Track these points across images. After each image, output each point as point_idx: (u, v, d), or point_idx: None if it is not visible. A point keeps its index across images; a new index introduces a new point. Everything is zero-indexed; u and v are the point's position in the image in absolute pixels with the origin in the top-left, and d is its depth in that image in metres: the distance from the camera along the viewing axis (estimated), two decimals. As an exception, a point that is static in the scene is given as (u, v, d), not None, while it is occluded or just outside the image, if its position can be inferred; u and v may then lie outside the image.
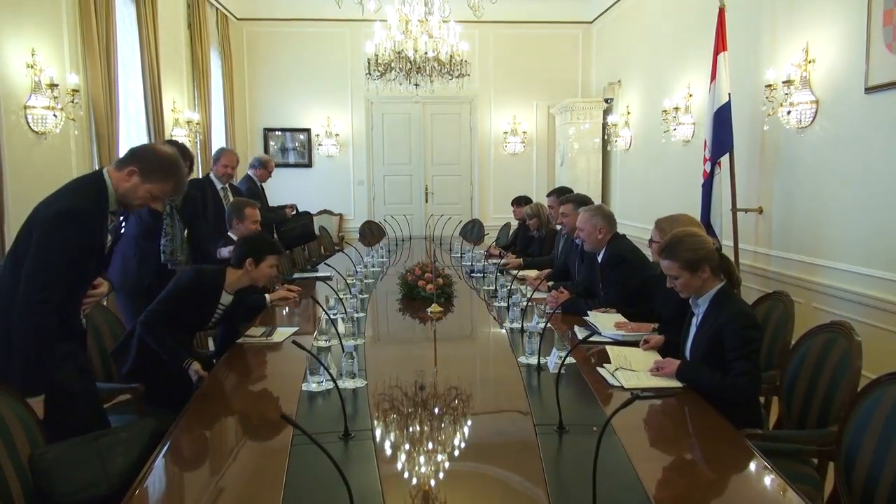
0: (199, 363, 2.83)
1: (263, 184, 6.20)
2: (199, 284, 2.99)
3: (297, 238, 6.14)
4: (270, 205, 6.28)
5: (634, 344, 2.90)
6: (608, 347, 2.81)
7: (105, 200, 2.31)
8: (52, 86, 4.37)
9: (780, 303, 3.11)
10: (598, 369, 2.62)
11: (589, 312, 3.38)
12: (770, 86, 4.62)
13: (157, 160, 2.39)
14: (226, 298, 3.12)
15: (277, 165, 6.62)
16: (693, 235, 2.61)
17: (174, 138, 6.35)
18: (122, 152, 5.27)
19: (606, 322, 3.19)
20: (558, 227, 5.25)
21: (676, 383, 2.43)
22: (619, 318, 3.25)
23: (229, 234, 4.15)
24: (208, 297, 3.05)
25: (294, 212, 6.31)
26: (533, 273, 4.84)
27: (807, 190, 4.50)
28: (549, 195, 5.65)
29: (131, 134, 5.84)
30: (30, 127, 4.34)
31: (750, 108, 5.04)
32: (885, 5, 3.68)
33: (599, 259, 3.76)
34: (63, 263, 2.18)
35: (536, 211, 5.88)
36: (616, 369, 2.55)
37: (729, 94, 4.74)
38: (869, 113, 3.89)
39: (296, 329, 3.36)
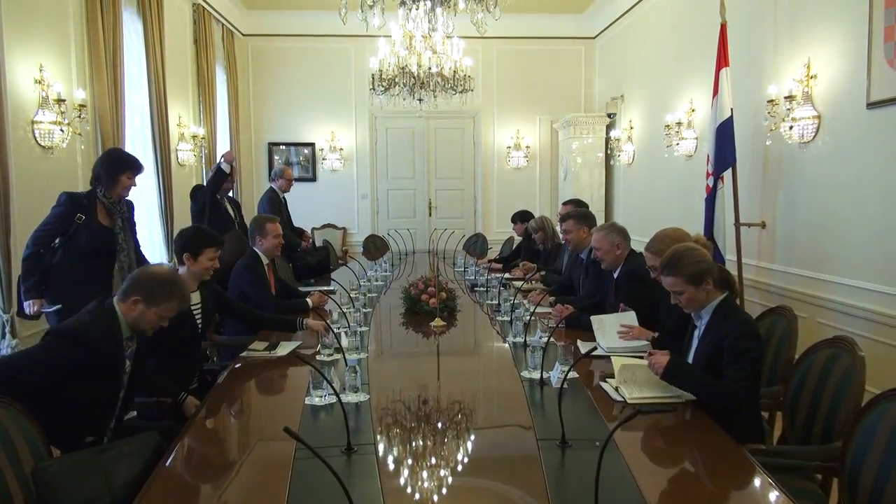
0: (192, 397, 2.84)
1: (286, 194, 6.29)
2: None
3: (313, 269, 6.17)
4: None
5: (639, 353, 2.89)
6: (613, 358, 2.74)
7: (118, 330, 2.47)
8: (60, 101, 4.41)
9: (784, 317, 3.11)
10: (601, 384, 2.62)
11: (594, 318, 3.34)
12: (772, 101, 4.64)
13: (157, 284, 2.51)
14: (193, 298, 3.22)
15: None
16: (692, 249, 2.61)
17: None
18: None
19: (612, 325, 3.19)
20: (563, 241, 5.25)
21: (677, 393, 2.43)
22: (629, 316, 3.22)
23: (254, 248, 4.18)
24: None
25: (310, 245, 6.41)
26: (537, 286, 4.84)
27: (809, 204, 4.51)
28: (565, 204, 5.72)
29: (137, 148, 5.86)
30: (37, 142, 4.37)
31: (752, 123, 5.06)
32: (886, 21, 3.70)
33: (615, 275, 3.75)
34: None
35: (541, 224, 5.89)
36: (619, 385, 2.54)
37: (731, 109, 4.76)
38: (871, 128, 3.90)
39: (299, 343, 3.37)
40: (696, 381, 2.39)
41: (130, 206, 4.00)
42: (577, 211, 4.69)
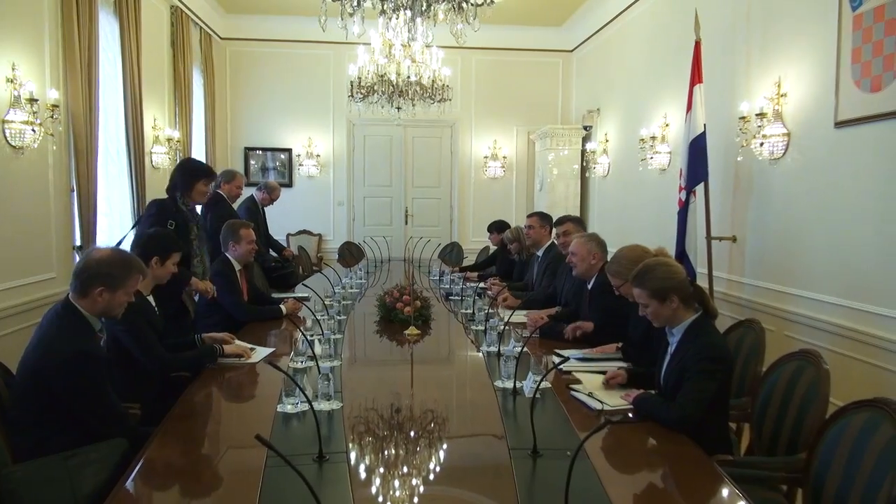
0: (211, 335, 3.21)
1: (266, 208, 6.42)
2: (131, 311, 2.78)
3: (271, 281, 6.19)
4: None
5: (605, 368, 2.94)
6: (581, 377, 2.83)
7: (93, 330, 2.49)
8: (32, 100, 4.33)
9: (752, 330, 3.16)
10: (574, 393, 2.64)
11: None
12: (744, 118, 4.73)
13: (112, 267, 2.49)
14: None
15: (255, 185, 6.82)
16: (663, 265, 2.61)
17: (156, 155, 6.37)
18: (100, 168, 5.26)
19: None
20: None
21: None
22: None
23: (226, 254, 4.15)
24: (144, 312, 3.00)
25: (291, 256, 6.69)
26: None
27: (779, 220, 4.60)
28: (530, 216, 5.68)
29: (110, 150, 5.80)
30: (7, 141, 4.29)
31: (724, 138, 5.16)
32: (854, 43, 3.80)
33: (590, 285, 3.79)
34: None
35: (516, 235, 5.91)
36: (592, 391, 2.58)
37: (704, 125, 4.84)
38: (838, 147, 4.00)
39: (272, 350, 3.34)
40: (656, 412, 2.37)
41: (195, 212, 4.13)
42: (572, 217, 4.76)
